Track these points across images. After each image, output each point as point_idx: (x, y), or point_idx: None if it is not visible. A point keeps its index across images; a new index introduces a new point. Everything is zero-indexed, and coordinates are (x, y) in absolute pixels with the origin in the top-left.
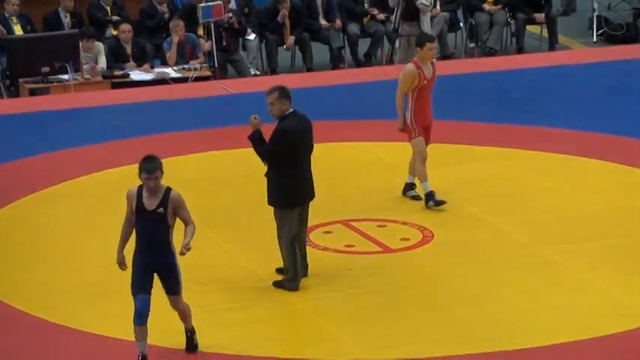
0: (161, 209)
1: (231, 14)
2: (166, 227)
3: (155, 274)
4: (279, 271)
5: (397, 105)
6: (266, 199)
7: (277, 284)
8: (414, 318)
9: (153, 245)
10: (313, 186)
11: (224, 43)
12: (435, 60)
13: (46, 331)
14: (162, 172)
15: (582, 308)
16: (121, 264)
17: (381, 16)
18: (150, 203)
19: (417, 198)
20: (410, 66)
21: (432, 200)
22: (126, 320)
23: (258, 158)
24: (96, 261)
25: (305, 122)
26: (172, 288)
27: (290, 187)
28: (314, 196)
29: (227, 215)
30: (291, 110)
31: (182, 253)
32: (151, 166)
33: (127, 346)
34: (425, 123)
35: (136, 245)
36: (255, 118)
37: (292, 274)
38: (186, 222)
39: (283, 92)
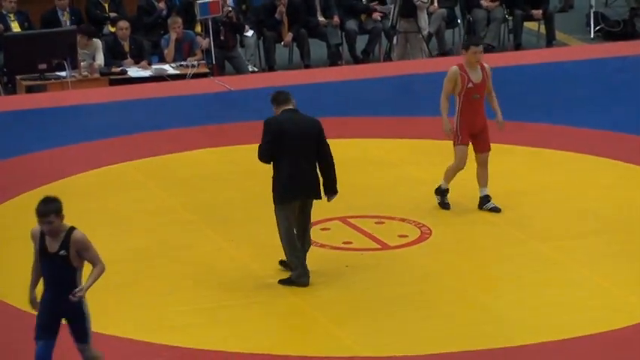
0: (63, 251)
1: (230, 9)
2: (71, 270)
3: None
4: (282, 263)
5: (441, 107)
6: (262, 196)
7: (285, 282)
8: (411, 315)
9: (58, 288)
10: (314, 185)
11: (222, 38)
12: (486, 65)
13: None
14: (61, 216)
15: (580, 304)
16: (33, 304)
17: (377, 16)
18: (52, 245)
19: (495, 210)
20: (453, 67)
21: (440, 195)
22: (124, 317)
23: (254, 154)
24: None
25: (299, 120)
26: (79, 335)
27: (279, 183)
28: (316, 196)
29: (224, 212)
30: (289, 108)
31: (71, 299)
32: (43, 210)
33: (124, 342)
34: (473, 130)
35: (43, 287)
36: None
37: (301, 270)
38: (93, 263)
39: (273, 97)
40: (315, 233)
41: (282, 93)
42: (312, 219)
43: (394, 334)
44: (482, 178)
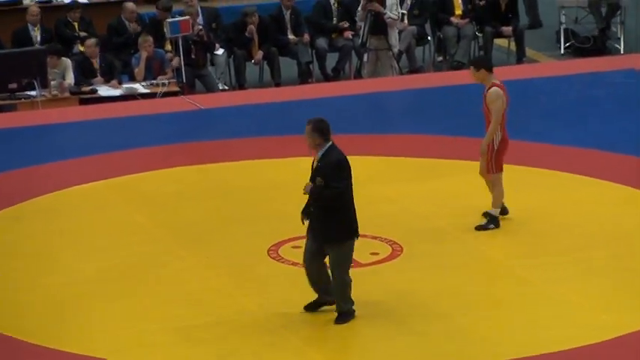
0: None
1: (201, 27)
2: None
3: None
4: (314, 305)
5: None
6: (233, 214)
7: (340, 321)
8: (383, 333)
9: None
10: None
11: (193, 57)
12: (490, 89)
13: (15, 349)
14: None
15: (551, 322)
16: None
17: (349, 34)
18: None
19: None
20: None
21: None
22: (94, 336)
23: (225, 172)
24: (62, 279)
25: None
26: None
27: (348, 219)
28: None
29: (194, 230)
30: (331, 143)
31: None
32: None
33: None
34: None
35: None
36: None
37: (349, 306)
38: None
39: (320, 127)
40: (287, 251)
41: (326, 122)
42: (284, 237)
43: (366, 352)
44: (493, 197)
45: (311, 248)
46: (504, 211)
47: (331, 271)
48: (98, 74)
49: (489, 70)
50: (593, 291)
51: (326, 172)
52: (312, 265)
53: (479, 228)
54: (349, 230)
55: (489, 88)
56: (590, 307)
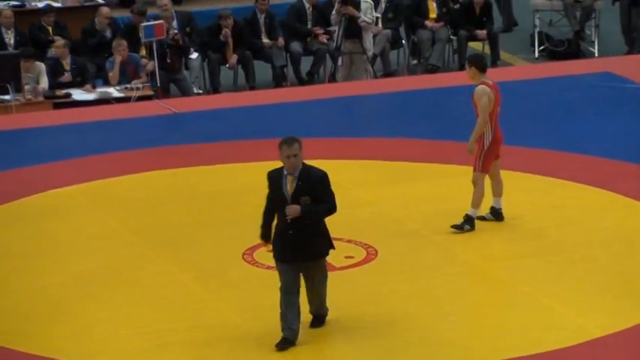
0: None
1: (176, 31)
2: None
3: None
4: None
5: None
6: (207, 218)
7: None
8: (358, 336)
9: None
10: None
11: (168, 61)
12: (480, 85)
13: None
14: None
15: (526, 324)
16: None
17: (323, 38)
18: None
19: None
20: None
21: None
22: (68, 342)
23: (200, 177)
24: (38, 283)
25: None
26: None
27: (327, 232)
28: None
29: (167, 235)
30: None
31: None
32: None
33: None
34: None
35: None
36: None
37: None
38: None
39: (285, 141)
40: (262, 255)
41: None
42: (259, 240)
43: (341, 355)
44: (473, 196)
45: (290, 277)
46: (499, 216)
47: (320, 286)
48: (67, 74)
49: (480, 69)
50: (569, 293)
51: (315, 188)
52: (297, 293)
53: (454, 227)
54: (330, 239)
55: (477, 86)
56: (562, 309)
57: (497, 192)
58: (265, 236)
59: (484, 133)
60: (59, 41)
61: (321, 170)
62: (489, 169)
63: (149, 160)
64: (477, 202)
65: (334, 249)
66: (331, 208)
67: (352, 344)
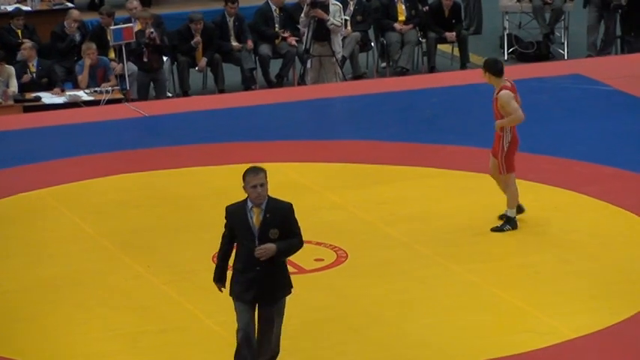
0: None
1: (152, 30)
2: None
3: None
4: None
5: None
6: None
7: None
8: (327, 340)
9: None
10: None
11: (145, 60)
12: (503, 90)
13: None
14: None
15: (497, 327)
16: None
17: (292, 40)
18: None
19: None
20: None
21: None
22: (40, 346)
23: (169, 180)
24: (7, 286)
25: None
26: None
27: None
28: None
29: (139, 238)
30: None
31: None
32: None
33: None
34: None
35: None
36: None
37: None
38: None
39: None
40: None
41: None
42: None
43: (311, 358)
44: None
45: (250, 317)
46: (520, 209)
47: (279, 328)
48: (32, 76)
49: (496, 74)
50: (541, 296)
51: (283, 220)
52: (253, 334)
53: (495, 229)
54: (290, 277)
55: (499, 91)
56: (535, 312)
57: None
58: (222, 279)
59: (503, 135)
60: (26, 43)
61: (286, 202)
62: (514, 167)
63: (119, 163)
64: (512, 202)
65: (292, 288)
66: (301, 242)
67: (322, 348)
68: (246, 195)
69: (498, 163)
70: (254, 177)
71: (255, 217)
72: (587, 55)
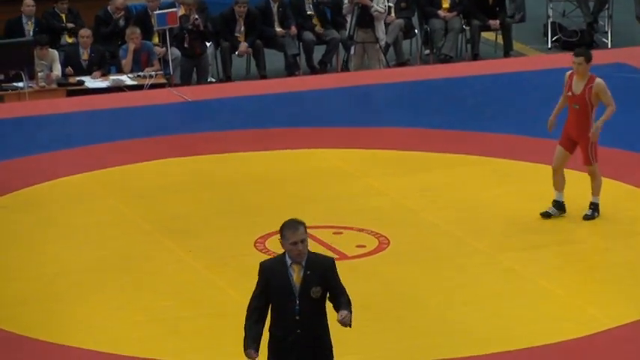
0: None
1: (197, 17)
2: None
3: None
4: None
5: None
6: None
7: None
8: (369, 326)
9: None
10: None
11: (186, 46)
12: (597, 80)
13: (6, 342)
14: None
15: (537, 315)
16: None
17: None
18: None
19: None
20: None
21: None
22: (83, 328)
23: (212, 165)
24: (50, 270)
25: None
26: None
27: None
28: None
29: (182, 223)
30: None
31: None
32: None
33: (87, 355)
34: (571, 137)
35: None
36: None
37: None
38: None
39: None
40: (272, 243)
41: None
42: (269, 230)
43: (354, 344)
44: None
45: None
46: (563, 209)
47: None
48: (86, 65)
49: (590, 62)
50: (578, 284)
51: (327, 277)
52: None
53: (586, 218)
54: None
55: (593, 79)
56: (575, 301)
57: (561, 186)
58: (256, 344)
59: (589, 125)
60: (84, 31)
61: (328, 257)
62: (563, 162)
63: (162, 147)
64: (598, 190)
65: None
66: (350, 300)
67: (364, 332)
68: (283, 250)
69: (588, 154)
70: (294, 233)
71: (296, 275)
72: None
